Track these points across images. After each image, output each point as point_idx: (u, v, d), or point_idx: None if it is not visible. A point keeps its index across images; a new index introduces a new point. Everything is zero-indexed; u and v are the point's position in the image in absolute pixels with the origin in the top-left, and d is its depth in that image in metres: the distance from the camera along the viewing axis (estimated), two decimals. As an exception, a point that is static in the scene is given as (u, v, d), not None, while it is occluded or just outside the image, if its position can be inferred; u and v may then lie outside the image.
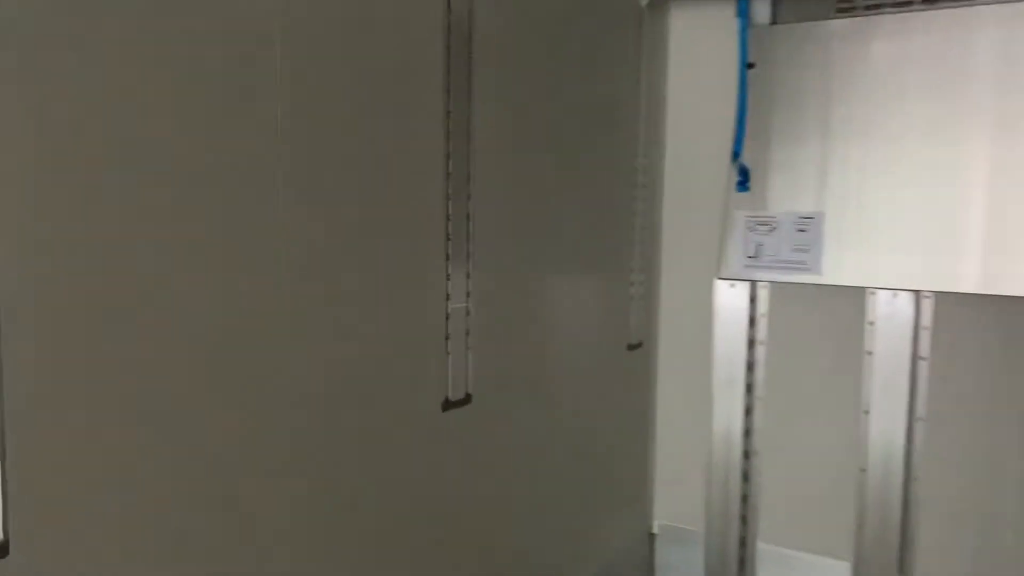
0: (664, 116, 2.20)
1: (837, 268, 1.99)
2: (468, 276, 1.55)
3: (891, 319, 1.96)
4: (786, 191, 2.04)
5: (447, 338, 1.51)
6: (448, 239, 1.50)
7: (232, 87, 1.10)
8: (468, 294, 1.56)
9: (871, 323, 1.98)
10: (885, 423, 2.00)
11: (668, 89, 2.21)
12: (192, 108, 1.05)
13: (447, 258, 1.50)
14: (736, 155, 2.04)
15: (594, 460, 2.08)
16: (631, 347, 2.16)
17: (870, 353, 1.98)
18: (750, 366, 2.14)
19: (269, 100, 1.15)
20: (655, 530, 2.36)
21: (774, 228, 2.05)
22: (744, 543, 2.20)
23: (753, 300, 2.12)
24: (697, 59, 2.17)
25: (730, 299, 2.12)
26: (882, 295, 1.96)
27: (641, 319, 2.19)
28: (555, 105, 1.79)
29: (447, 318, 1.51)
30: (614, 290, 2.09)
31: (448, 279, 1.50)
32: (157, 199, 1.02)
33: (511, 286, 1.69)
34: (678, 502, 2.32)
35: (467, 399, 1.58)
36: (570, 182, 1.87)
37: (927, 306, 1.92)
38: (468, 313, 1.56)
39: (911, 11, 1.90)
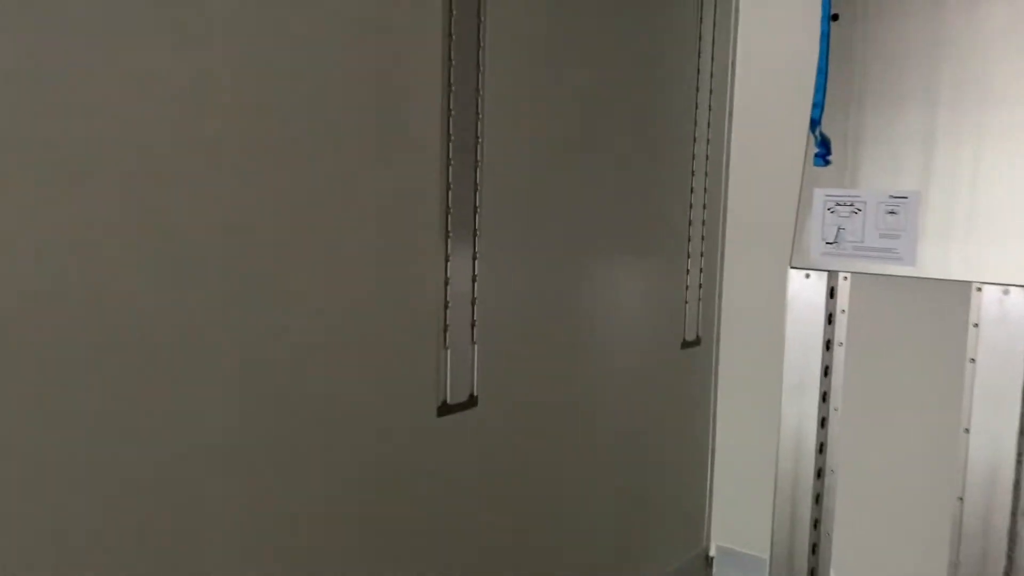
0: (730, 76, 1.90)
1: (935, 258, 1.66)
2: (475, 257, 1.31)
3: (1000, 321, 1.62)
4: (874, 165, 1.72)
5: (445, 330, 1.27)
6: (448, 212, 1.25)
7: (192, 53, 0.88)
8: (474, 278, 1.31)
9: (975, 325, 1.65)
10: (989, 444, 1.67)
11: (736, 43, 1.90)
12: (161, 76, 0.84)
13: (447, 235, 1.26)
14: (815, 123, 1.74)
15: (640, 473, 1.81)
16: (687, 344, 1.88)
17: (973, 360, 1.65)
18: (826, 370, 1.83)
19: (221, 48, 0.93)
20: (712, 552, 2.08)
21: (859, 209, 1.73)
22: (814, 574, 1.89)
23: (832, 293, 1.81)
24: (771, 8, 1.86)
25: (804, 292, 1.82)
26: (990, 292, 1.63)
27: (699, 312, 1.91)
28: (592, 58, 1.52)
29: (446, 306, 1.27)
30: (666, 278, 1.81)
31: (448, 260, 1.26)
32: (122, 175, 0.81)
33: (531, 270, 1.44)
34: (739, 523, 2.03)
35: (471, 401, 1.33)
36: (610, 150, 1.60)
37: (1046, 306, 1.58)
38: (474, 301, 1.32)
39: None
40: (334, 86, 1.07)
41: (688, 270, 1.85)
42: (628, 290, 1.69)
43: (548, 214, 1.47)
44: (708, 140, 1.86)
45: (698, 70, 1.80)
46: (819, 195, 1.76)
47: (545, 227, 1.46)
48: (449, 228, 1.26)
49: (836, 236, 1.75)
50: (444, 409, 1.29)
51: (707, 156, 1.87)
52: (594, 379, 1.63)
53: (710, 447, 2.01)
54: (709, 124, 1.86)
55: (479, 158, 1.29)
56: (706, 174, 1.87)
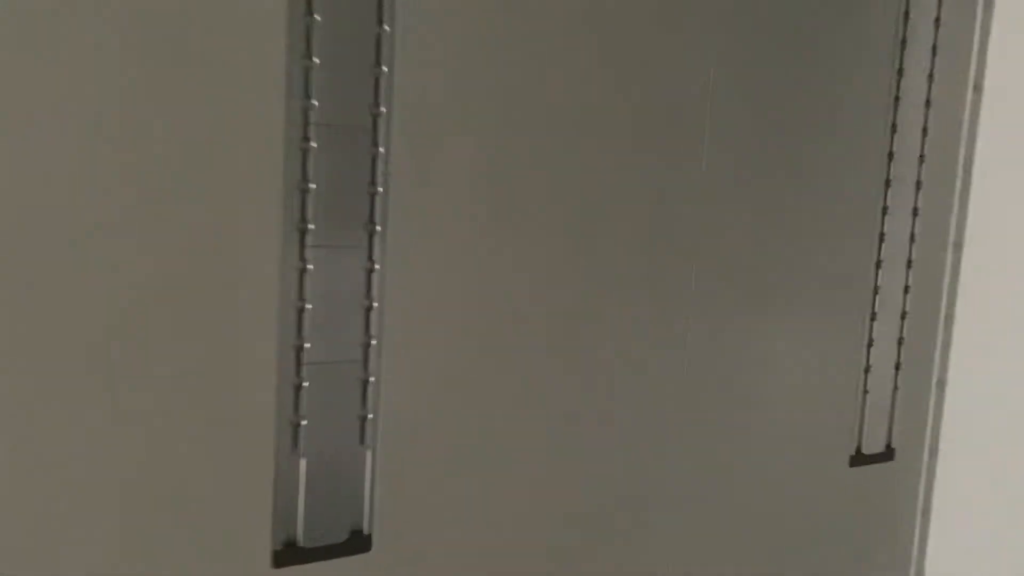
0: (979, 18, 1.14)
1: None
2: (372, 308, 0.77)
3: None
4: None
5: (297, 426, 0.75)
6: (304, 217, 0.73)
7: None
8: (370, 339, 0.77)
9: None
10: None
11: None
12: None
13: (301, 250, 0.73)
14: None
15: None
16: (863, 459, 1.16)
17: None
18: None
19: None
20: None
21: None
22: None
23: None
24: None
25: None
26: None
27: (893, 409, 1.17)
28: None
29: (298, 387, 0.74)
30: (824, 350, 1.11)
31: (303, 304, 0.74)
32: None
33: (515, 319, 0.86)
34: None
35: (357, 544, 0.79)
36: (709, 130, 0.96)
37: None
38: (367, 381, 0.77)
39: None
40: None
41: (871, 340, 1.13)
42: (740, 362, 1.04)
43: (574, 218, 0.89)
44: (925, 130, 1.13)
45: (906, 12, 1.09)
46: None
47: (560, 250, 0.88)
48: (305, 238, 0.73)
49: None
50: (291, 555, 0.76)
51: (921, 156, 1.14)
52: (647, 508, 1.00)
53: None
54: (928, 103, 1.13)
55: (379, 131, 0.75)
56: (918, 185, 1.14)
